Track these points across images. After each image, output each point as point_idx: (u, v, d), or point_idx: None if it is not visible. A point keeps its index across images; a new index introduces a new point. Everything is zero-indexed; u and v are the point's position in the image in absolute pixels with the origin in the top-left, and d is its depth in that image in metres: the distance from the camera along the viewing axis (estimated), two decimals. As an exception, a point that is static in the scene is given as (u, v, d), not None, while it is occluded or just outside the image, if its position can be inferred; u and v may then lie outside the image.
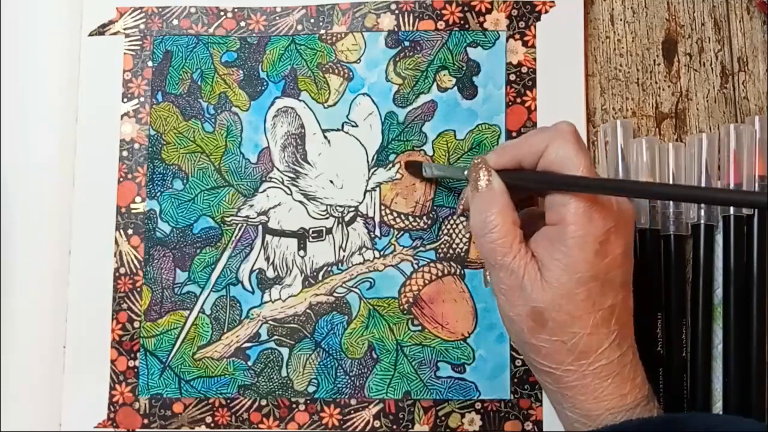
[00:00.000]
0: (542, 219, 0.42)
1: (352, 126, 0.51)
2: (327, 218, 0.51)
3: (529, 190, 0.45)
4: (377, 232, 0.50)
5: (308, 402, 0.49)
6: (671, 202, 0.49)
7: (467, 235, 0.50)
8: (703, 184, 0.49)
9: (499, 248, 0.41)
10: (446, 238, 0.50)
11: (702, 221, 0.49)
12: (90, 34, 0.52)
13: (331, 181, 0.51)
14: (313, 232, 0.51)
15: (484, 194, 0.42)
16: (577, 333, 0.39)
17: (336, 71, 0.52)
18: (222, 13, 0.52)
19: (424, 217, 0.51)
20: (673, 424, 0.39)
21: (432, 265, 0.50)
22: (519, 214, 0.42)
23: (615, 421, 0.39)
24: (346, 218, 0.51)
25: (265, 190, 0.51)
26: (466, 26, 0.52)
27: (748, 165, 0.49)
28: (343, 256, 0.50)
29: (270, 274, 0.50)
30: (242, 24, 0.52)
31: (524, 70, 0.51)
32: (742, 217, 0.48)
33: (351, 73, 0.52)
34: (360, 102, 0.51)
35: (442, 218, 0.50)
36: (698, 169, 0.49)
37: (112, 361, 0.50)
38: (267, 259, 0.51)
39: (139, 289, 0.50)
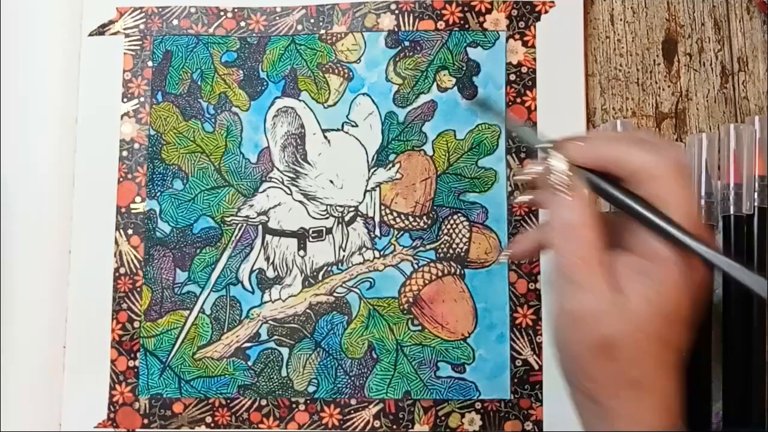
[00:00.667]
0: (615, 229, 0.38)
1: (352, 126, 0.51)
2: (327, 218, 0.51)
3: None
4: (377, 232, 0.51)
5: (308, 402, 0.49)
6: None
7: (467, 235, 0.50)
8: (703, 184, 0.49)
9: (581, 264, 0.36)
10: (446, 238, 0.50)
11: (702, 221, 0.48)
12: (90, 34, 0.52)
13: (331, 181, 0.51)
14: (313, 232, 0.51)
15: (575, 202, 0.37)
16: (643, 368, 0.36)
17: (336, 71, 0.52)
18: (222, 13, 0.52)
19: (424, 217, 0.51)
20: None
21: (432, 265, 0.50)
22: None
23: None
24: (346, 218, 0.51)
25: (265, 190, 0.51)
26: (466, 26, 0.52)
27: (748, 165, 0.49)
28: (343, 256, 0.50)
29: (270, 274, 0.50)
30: (242, 24, 0.52)
31: (524, 70, 0.51)
32: (742, 217, 0.48)
33: (351, 73, 0.52)
34: (360, 102, 0.51)
35: (442, 218, 0.50)
36: (698, 169, 0.49)
37: (112, 361, 0.50)
38: (267, 259, 0.51)
39: (139, 289, 0.50)
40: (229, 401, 0.49)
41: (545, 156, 0.37)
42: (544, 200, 0.38)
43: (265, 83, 0.52)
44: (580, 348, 0.37)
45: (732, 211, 0.48)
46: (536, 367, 0.49)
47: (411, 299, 0.50)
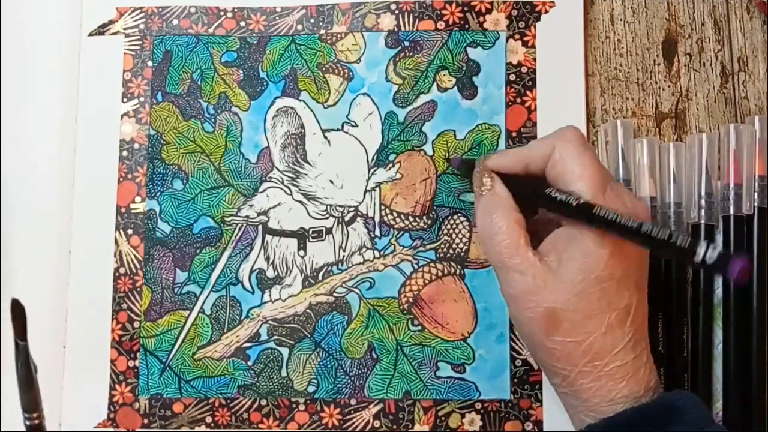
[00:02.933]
0: (554, 223, 0.42)
1: (352, 126, 0.51)
2: (327, 218, 0.51)
3: (532, 207, 0.44)
4: (377, 232, 0.50)
5: (308, 402, 0.49)
6: (672, 202, 0.49)
7: (467, 235, 0.50)
8: (703, 184, 0.49)
9: (505, 250, 0.40)
10: (446, 238, 0.50)
11: (702, 221, 0.48)
12: (90, 34, 0.52)
13: (331, 181, 0.51)
14: (313, 232, 0.51)
15: (487, 198, 0.42)
16: (591, 333, 0.39)
17: (336, 71, 0.52)
18: (222, 13, 0.52)
19: (424, 217, 0.51)
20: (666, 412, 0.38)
21: (432, 265, 0.50)
22: (532, 219, 0.42)
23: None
24: (346, 218, 0.51)
25: (265, 190, 0.51)
26: (466, 26, 0.52)
27: (748, 165, 0.49)
28: (343, 256, 0.50)
29: (270, 274, 0.50)
30: (242, 24, 0.52)
31: (524, 70, 0.51)
32: (742, 217, 0.48)
33: (351, 73, 0.52)
34: (360, 102, 0.51)
35: (442, 218, 0.50)
36: (698, 169, 0.49)
37: (112, 361, 0.50)
38: (267, 259, 0.51)
39: (139, 289, 0.50)
40: (229, 401, 0.49)
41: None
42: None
43: (265, 83, 0.52)
44: (530, 327, 0.40)
45: (732, 212, 0.48)
46: (536, 367, 0.49)
47: (411, 299, 0.50)
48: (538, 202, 0.42)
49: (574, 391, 0.40)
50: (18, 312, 0.40)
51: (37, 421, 0.41)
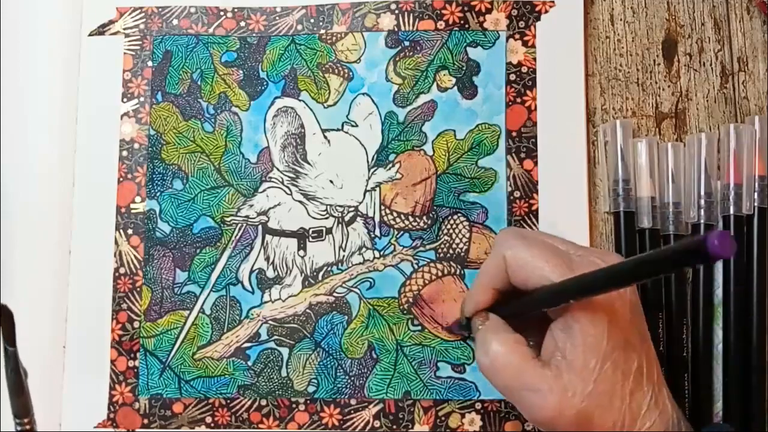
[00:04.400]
0: (545, 323, 0.41)
1: (352, 126, 0.51)
2: (327, 218, 0.51)
3: (525, 314, 0.43)
4: (377, 232, 0.50)
5: (308, 402, 0.49)
6: (671, 202, 0.49)
7: (467, 235, 0.50)
8: (702, 184, 0.49)
9: (510, 374, 0.39)
10: (446, 238, 0.50)
11: (702, 221, 0.48)
12: (90, 34, 0.52)
13: (331, 181, 0.51)
14: (313, 232, 0.51)
15: (480, 332, 0.42)
16: (619, 409, 0.38)
17: (336, 71, 0.52)
18: (222, 13, 0.52)
19: (424, 217, 0.50)
20: None
21: (432, 265, 0.50)
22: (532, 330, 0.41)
23: None
24: (346, 218, 0.51)
25: (265, 190, 0.51)
26: (466, 26, 0.52)
27: (748, 165, 0.49)
28: (343, 256, 0.50)
29: (270, 274, 0.50)
30: (242, 24, 0.52)
31: (524, 69, 0.51)
32: (742, 217, 0.48)
33: (351, 73, 0.52)
34: (360, 102, 0.51)
35: (442, 218, 0.50)
36: (697, 169, 0.49)
37: (112, 361, 0.50)
38: (267, 259, 0.51)
39: (138, 289, 0.50)
40: (229, 401, 0.49)
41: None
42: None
43: (265, 83, 0.52)
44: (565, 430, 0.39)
45: (732, 212, 0.48)
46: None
47: (411, 299, 0.50)
48: (524, 311, 0.42)
49: None
50: (7, 318, 0.39)
51: (28, 427, 0.41)
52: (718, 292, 0.49)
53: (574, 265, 0.39)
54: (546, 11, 0.51)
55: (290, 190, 0.51)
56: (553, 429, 0.39)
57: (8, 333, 0.39)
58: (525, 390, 0.39)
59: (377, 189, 0.51)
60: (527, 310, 0.41)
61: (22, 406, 0.40)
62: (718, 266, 0.49)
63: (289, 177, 0.51)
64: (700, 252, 0.28)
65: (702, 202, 0.48)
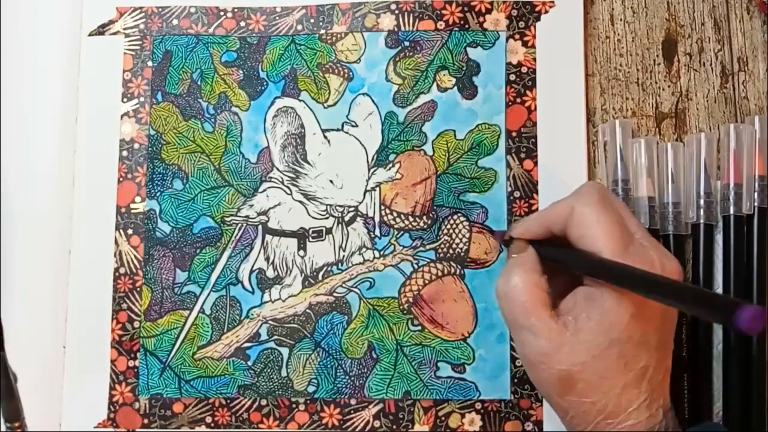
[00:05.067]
0: (577, 281, 0.41)
1: (352, 126, 0.51)
2: (327, 218, 0.51)
3: (558, 265, 0.44)
4: (377, 232, 0.50)
5: (308, 402, 0.49)
6: (670, 202, 0.49)
7: (467, 235, 0.50)
8: (702, 184, 0.49)
9: (520, 309, 0.40)
10: (446, 238, 0.50)
11: (702, 221, 0.48)
12: (90, 34, 0.52)
13: (331, 181, 0.51)
14: (313, 232, 0.51)
15: (512, 259, 0.43)
16: (606, 393, 0.38)
17: (336, 71, 0.52)
18: (222, 13, 0.52)
19: (424, 217, 0.51)
20: None
21: (432, 265, 0.50)
22: (559, 281, 0.42)
23: None
24: (346, 218, 0.51)
25: (265, 190, 0.51)
26: (466, 26, 0.52)
27: (748, 165, 0.49)
28: (343, 256, 0.50)
29: (270, 274, 0.50)
30: (242, 24, 0.52)
31: (524, 70, 0.51)
32: (742, 216, 0.48)
33: (351, 73, 0.52)
34: (360, 102, 0.51)
35: (442, 218, 0.50)
36: (697, 169, 0.49)
37: (112, 361, 0.50)
38: (267, 259, 0.51)
39: (138, 289, 0.50)
40: (229, 401, 0.49)
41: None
42: None
43: (265, 83, 0.52)
44: (545, 387, 0.40)
45: (732, 212, 0.48)
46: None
47: (411, 299, 0.50)
48: (561, 261, 0.42)
49: None
50: None
51: (19, 430, 0.41)
52: (718, 291, 0.49)
53: (631, 250, 0.39)
54: (546, 11, 0.51)
55: (290, 190, 0.51)
56: (536, 375, 0.40)
57: None
58: (527, 330, 0.40)
59: (377, 189, 0.51)
60: (564, 264, 0.42)
61: (13, 410, 0.40)
62: (718, 266, 0.49)
63: (289, 177, 0.51)
64: (730, 321, 0.28)
65: (702, 202, 0.48)
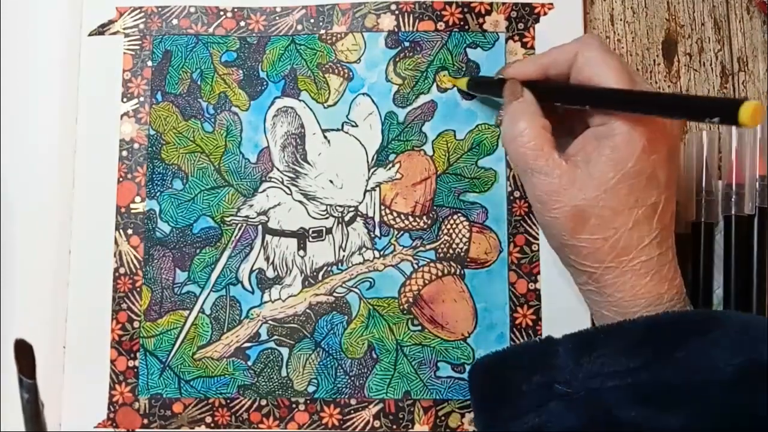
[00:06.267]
0: (582, 129, 0.42)
1: (352, 126, 0.51)
2: (327, 218, 0.51)
3: (564, 103, 0.45)
4: (377, 232, 0.50)
5: (308, 402, 0.49)
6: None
7: (467, 235, 0.50)
8: (703, 183, 0.49)
9: (530, 152, 0.41)
10: (446, 238, 0.50)
11: (702, 219, 0.48)
12: (90, 34, 0.52)
13: (331, 181, 0.51)
14: (313, 232, 0.51)
15: (514, 105, 0.43)
16: (618, 228, 0.39)
17: (336, 71, 0.52)
18: (222, 13, 0.52)
19: (424, 217, 0.51)
20: (711, 319, 0.38)
21: (432, 265, 0.50)
22: (559, 124, 0.43)
23: None
24: (346, 218, 0.51)
25: (264, 190, 0.51)
26: (466, 27, 0.52)
27: (749, 165, 0.49)
28: (343, 256, 0.50)
29: (270, 274, 0.50)
30: (242, 24, 0.52)
31: (524, 70, 0.51)
32: (742, 216, 0.48)
33: (351, 73, 0.52)
34: (360, 102, 0.51)
35: (442, 218, 0.50)
36: (698, 169, 0.49)
37: (112, 361, 0.50)
38: (267, 259, 0.51)
39: (138, 289, 0.50)
40: (229, 401, 0.49)
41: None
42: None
43: (264, 83, 0.52)
44: (557, 228, 0.41)
45: (733, 211, 0.48)
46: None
47: (411, 299, 0.50)
48: (565, 99, 0.43)
49: (599, 287, 0.40)
50: (25, 351, 0.38)
51: None
52: (719, 291, 0.49)
53: (637, 86, 0.40)
54: (545, 13, 0.52)
55: (290, 190, 0.51)
56: (548, 216, 0.41)
57: (27, 366, 0.38)
58: (537, 171, 0.41)
59: (377, 189, 0.51)
60: (569, 100, 0.43)
61: None
62: (718, 266, 0.49)
63: (289, 177, 0.51)
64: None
65: (702, 200, 0.48)
